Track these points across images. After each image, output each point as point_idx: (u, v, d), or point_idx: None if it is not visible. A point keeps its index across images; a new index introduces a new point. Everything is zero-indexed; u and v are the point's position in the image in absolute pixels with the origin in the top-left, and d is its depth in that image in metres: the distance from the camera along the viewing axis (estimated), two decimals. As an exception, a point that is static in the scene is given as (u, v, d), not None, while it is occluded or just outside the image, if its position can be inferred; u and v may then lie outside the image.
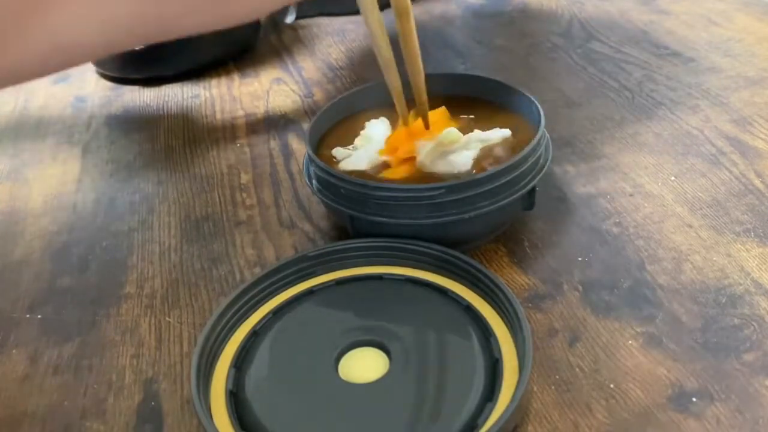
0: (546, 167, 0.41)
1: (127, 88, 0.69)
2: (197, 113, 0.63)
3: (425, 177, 0.42)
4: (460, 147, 0.43)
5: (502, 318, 0.36)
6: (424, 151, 0.43)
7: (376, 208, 0.39)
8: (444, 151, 0.43)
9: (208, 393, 0.34)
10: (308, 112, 0.62)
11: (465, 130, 0.44)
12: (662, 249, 0.42)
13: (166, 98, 0.67)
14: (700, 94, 0.57)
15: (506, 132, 0.44)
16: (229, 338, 0.37)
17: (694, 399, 0.33)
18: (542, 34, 0.72)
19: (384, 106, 0.49)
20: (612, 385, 0.34)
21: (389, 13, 0.39)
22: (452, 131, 0.43)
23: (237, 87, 0.67)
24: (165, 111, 0.64)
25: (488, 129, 0.45)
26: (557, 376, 0.35)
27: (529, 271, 0.41)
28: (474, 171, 0.42)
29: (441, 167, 0.42)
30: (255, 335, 0.37)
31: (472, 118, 0.47)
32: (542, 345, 0.36)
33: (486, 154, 0.43)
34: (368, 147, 0.45)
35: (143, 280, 0.44)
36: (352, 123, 0.48)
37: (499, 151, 0.43)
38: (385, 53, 0.41)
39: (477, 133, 0.44)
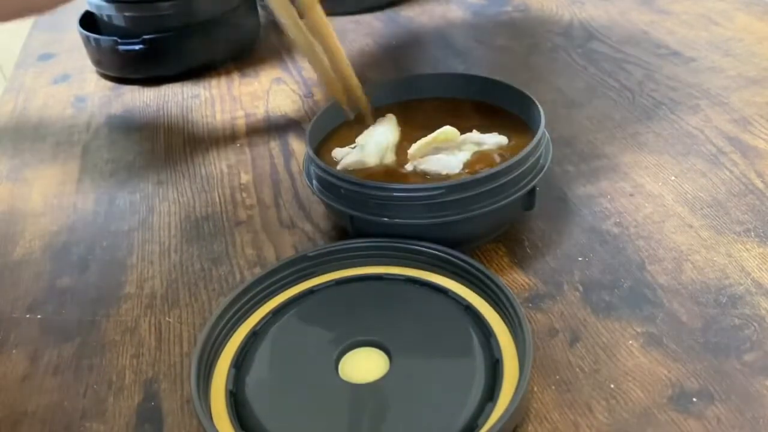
0: (546, 167, 0.41)
1: (127, 88, 0.69)
2: (197, 113, 0.63)
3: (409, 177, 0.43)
4: (454, 146, 0.43)
5: (502, 318, 0.36)
6: (417, 144, 0.43)
7: (376, 208, 0.39)
8: (437, 147, 0.43)
9: (208, 393, 0.34)
10: (308, 112, 0.62)
11: (463, 130, 0.44)
12: (663, 249, 0.42)
13: (166, 98, 0.67)
14: (701, 94, 0.57)
15: (503, 139, 0.44)
16: (229, 338, 0.36)
17: (694, 399, 0.33)
18: (542, 34, 0.72)
19: (384, 106, 0.49)
20: (612, 385, 0.34)
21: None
22: (450, 129, 0.43)
23: (237, 87, 0.67)
24: (165, 111, 0.64)
25: (487, 130, 0.45)
26: (557, 376, 0.35)
27: (529, 271, 0.41)
28: (465, 173, 0.42)
29: (431, 164, 0.42)
30: (255, 335, 0.37)
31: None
32: (542, 345, 0.36)
33: (479, 158, 0.43)
34: (368, 142, 0.44)
35: (143, 280, 0.44)
36: (353, 123, 0.48)
37: (492, 157, 0.43)
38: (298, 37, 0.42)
39: (473, 135, 0.44)
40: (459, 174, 0.42)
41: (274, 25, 0.80)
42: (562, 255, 0.42)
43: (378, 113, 0.48)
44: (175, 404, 0.35)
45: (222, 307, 0.36)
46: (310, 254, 0.40)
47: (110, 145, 0.60)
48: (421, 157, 0.43)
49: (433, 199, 0.38)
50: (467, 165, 0.42)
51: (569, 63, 0.65)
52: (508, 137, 0.44)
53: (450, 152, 0.43)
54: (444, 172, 0.42)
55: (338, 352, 0.35)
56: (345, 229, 0.43)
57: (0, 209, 0.52)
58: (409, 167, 0.43)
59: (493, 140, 0.44)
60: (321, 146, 0.46)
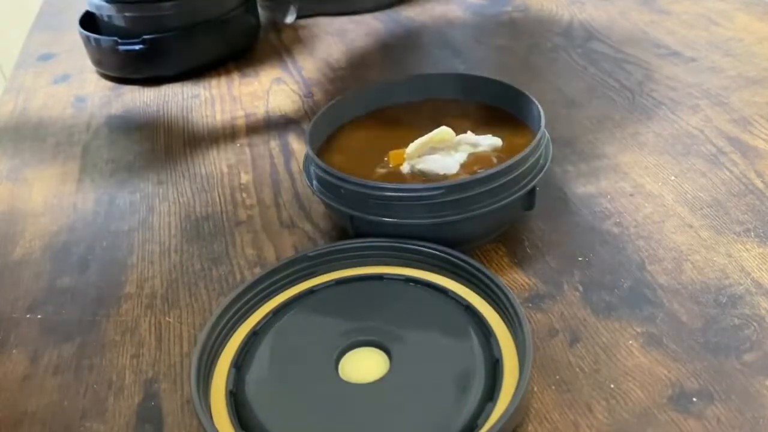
0: (546, 167, 0.41)
1: (127, 88, 0.69)
2: (197, 113, 0.63)
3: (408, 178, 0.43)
4: (449, 147, 0.43)
5: (502, 318, 0.36)
6: (414, 144, 0.43)
7: (376, 208, 0.39)
8: (433, 147, 0.43)
9: (208, 393, 0.34)
10: (308, 112, 0.62)
11: (458, 131, 0.44)
12: (662, 249, 0.42)
13: (166, 98, 0.67)
14: (701, 94, 0.57)
15: (497, 141, 0.44)
16: (229, 338, 0.37)
17: (694, 399, 0.33)
18: (542, 34, 0.72)
19: (385, 106, 0.49)
20: (612, 385, 0.34)
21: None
22: (445, 129, 0.43)
23: (237, 87, 0.67)
24: (165, 111, 0.64)
25: (487, 130, 0.45)
26: (557, 376, 0.35)
27: (529, 271, 0.41)
28: (462, 174, 0.42)
29: (427, 164, 0.42)
30: (255, 335, 0.37)
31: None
32: (542, 345, 0.36)
33: (475, 159, 0.43)
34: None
35: (143, 280, 0.44)
36: (353, 123, 0.48)
37: (488, 158, 0.43)
38: None
39: (468, 136, 0.44)
40: (456, 174, 0.42)
41: (274, 25, 0.81)
42: (562, 255, 0.42)
43: (378, 114, 0.49)
44: (175, 404, 0.35)
45: (222, 307, 0.36)
46: (310, 254, 0.40)
47: (110, 145, 0.60)
48: (418, 157, 0.43)
49: (433, 199, 0.38)
50: (464, 166, 0.42)
51: (569, 63, 0.65)
52: (508, 137, 0.45)
53: (446, 153, 0.43)
54: (441, 173, 0.42)
55: (338, 352, 0.35)
56: (345, 229, 0.43)
57: (0, 209, 0.52)
58: (406, 167, 0.43)
59: (488, 142, 0.44)
60: (321, 146, 0.46)
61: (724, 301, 0.38)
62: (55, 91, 0.70)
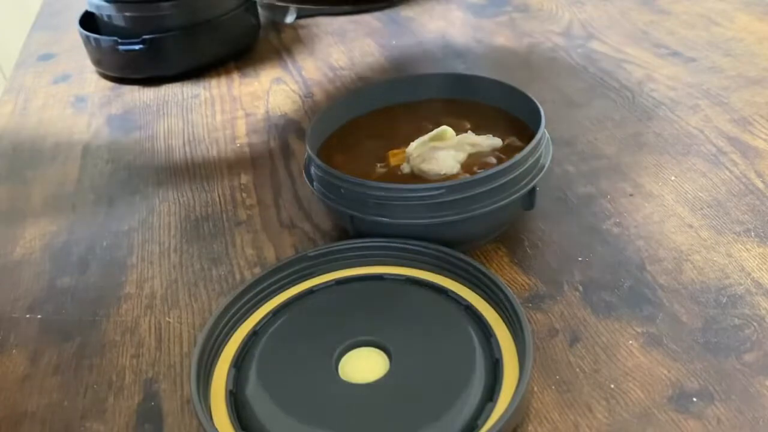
0: (546, 167, 0.41)
1: (127, 88, 0.69)
2: (197, 113, 0.63)
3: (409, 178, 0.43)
4: (449, 146, 0.43)
5: (502, 318, 0.36)
6: (414, 144, 0.43)
7: (376, 208, 0.39)
8: (434, 147, 0.43)
9: (208, 393, 0.34)
10: (308, 112, 0.62)
11: (458, 131, 0.44)
12: (663, 249, 0.42)
13: (166, 98, 0.67)
14: (701, 94, 0.57)
15: (497, 141, 0.44)
16: (229, 338, 0.37)
17: (694, 399, 0.33)
18: (542, 34, 0.72)
19: (385, 106, 0.49)
20: (612, 385, 0.34)
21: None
22: (446, 129, 0.43)
23: (237, 87, 0.67)
24: (165, 111, 0.64)
25: (487, 130, 0.45)
26: (557, 376, 0.35)
27: (529, 271, 0.41)
28: (462, 174, 0.42)
29: (428, 164, 0.42)
30: (255, 335, 0.37)
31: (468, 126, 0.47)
32: (542, 345, 0.36)
33: (475, 159, 0.43)
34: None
35: (143, 280, 0.44)
36: (353, 123, 0.48)
37: (488, 159, 0.43)
38: None
39: (468, 136, 0.44)
40: (456, 174, 0.42)
41: (274, 25, 0.81)
42: (562, 255, 0.42)
43: (378, 113, 0.48)
44: (175, 404, 0.35)
45: (222, 307, 0.36)
46: (310, 254, 0.40)
47: (110, 145, 0.60)
48: (418, 156, 0.43)
49: (433, 199, 0.38)
50: (464, 166, 0.42)
51: (569, 63, 0.65)
52: (508, 138, 0.45)
53: (446, 153, 0.43)
54: (442, 172, 0.42)
55: (338, 352, 0.35)
56: (345, 229, 0.43)
57: (0, 209, 0.52)
58: (406, 167, 0.43)
59: (487, 142, 0.44)
60: (322, 147, 0.46)
61: (724, 301, 0.38)
62: (55, 91, 0.70)
